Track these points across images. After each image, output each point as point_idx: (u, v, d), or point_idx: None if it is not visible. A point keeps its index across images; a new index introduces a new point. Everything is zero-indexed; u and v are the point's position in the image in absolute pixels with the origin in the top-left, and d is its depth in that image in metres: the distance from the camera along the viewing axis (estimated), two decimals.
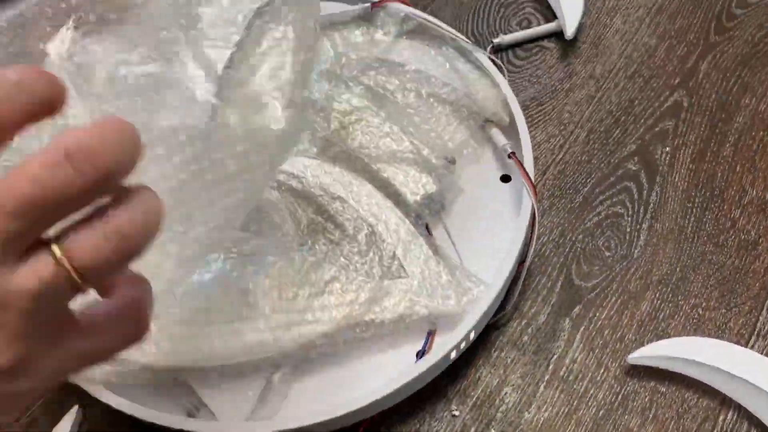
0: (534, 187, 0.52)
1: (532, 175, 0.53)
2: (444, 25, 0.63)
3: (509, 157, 0.56)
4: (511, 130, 0.59)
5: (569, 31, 0.66)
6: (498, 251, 0.53)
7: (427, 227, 0.55)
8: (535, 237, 0.52)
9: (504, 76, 0.60)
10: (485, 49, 0.67)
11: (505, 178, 0.58)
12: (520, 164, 0.54)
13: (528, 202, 0.52)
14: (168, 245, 0.36)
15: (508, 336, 0.52)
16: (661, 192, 0.59)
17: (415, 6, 0.67)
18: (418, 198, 0.54)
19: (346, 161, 0.57)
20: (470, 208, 0.56)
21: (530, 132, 0.57)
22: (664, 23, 0.69)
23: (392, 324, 0.49)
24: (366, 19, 0.66)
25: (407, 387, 0.47)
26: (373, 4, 0.65)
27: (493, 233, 0.55)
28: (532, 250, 0.52)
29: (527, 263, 0.52)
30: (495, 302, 0.50)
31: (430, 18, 0.63)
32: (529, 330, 0.53)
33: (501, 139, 0.58)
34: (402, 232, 0.53)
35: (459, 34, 0.62)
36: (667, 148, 0.61)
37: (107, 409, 0.47)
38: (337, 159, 0.57)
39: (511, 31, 0.69)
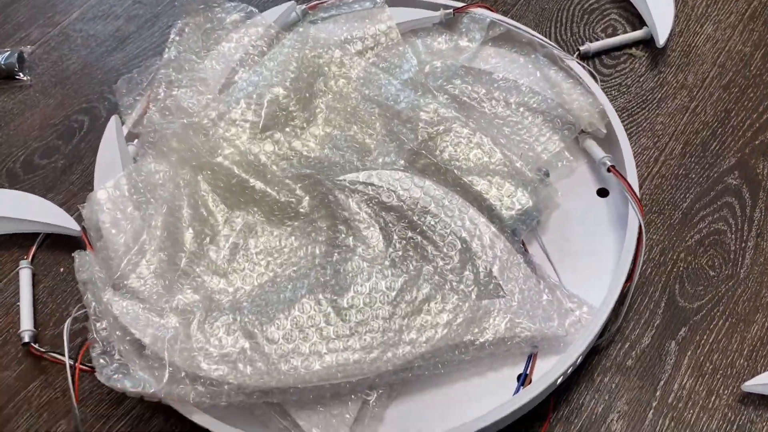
0: (640, 202, 0.50)
1: (636, 189, 0.51)
2: (532, 31, 0.61)
3: (608, 170, 0.53)
4: (607, 141, 0.56)
5: (662, 39, 0.63)
6: (598, 269, 0.51)
7: (523, 243, 0.52)
8: (641, 255, 0.49)
9: (597, 83, 0.57)
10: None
11: (602, 192, 0.55)
12: (623, 178, 0.52)
13: (633, 217, 0.50)
14: None
15: (611, 360, 0.50)
16: (766, 208, 0.56)
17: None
18: (513, 213, 0.52)
19: (435, 174, 0.55)
20: (567, 224, 0.54)
21: None
22: (759, 30, 0.66)
23: (492, 346, 0.47)
24: (448, 25, 0.64)
25: (511, 415, 0.44)
26: (456, 10, 0.63)
27: (592, 250, 0.52)
28: (638, 270, 0.49)
29: (633, 283, 0.49)
30: (602, 325, 0.47)
31: (517, 24, 0.61)
32: (633, 353, 0.50)
33: (598, 151, 0.55)
34: (498, 249, 0.50)
35: (549, 41, 0.60)
36: None
37: (197, 428, 0.46)
38: (426, 171, 0.55)
39: (596, 39, 0.67)
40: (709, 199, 0.57)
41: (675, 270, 0.53)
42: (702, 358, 0.49)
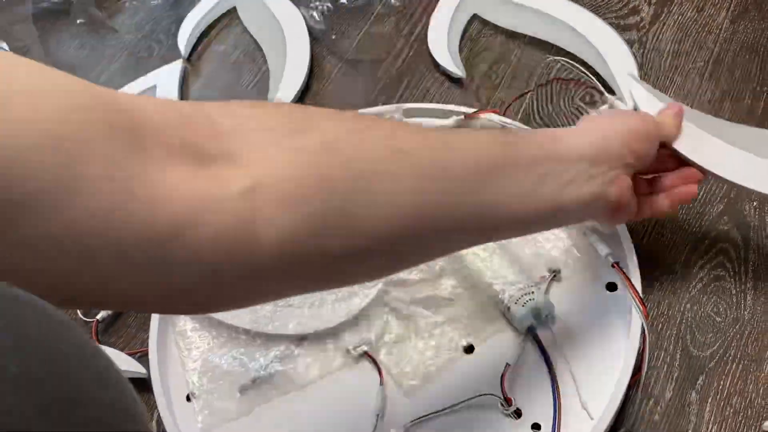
0: (641, 300, 0.54)
1: (638, 286, 0.55)
2: None
3: (613, 266, 0.57)
4: (612, 237, 0.59)
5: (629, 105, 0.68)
6: (611, 360, 0.54)
7: (536, 338, 0.56)
8: (647, 350, 0.53)
9: None
10: None
11: (611, 286, 0.58)
12: (625, 275, 0.56)
13: (637, 320, 0.53)
14: None
15: (639, 417, 0.54)
16: (758, 247, 0.60)
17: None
18: (526, 310, 0.56)
19: (453, 273, 0.60)
20: (578, 319, 0.57)
21: None
22: (725, 76, 0.71)
23: None
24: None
25: None
26: (467, 116, 0.67)
27: (604, 344, 0.55)
28: (645, 365, 0.53)
29: (642, 375, 0.53)
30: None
31: (525, 127, 0.66)
32: (659, 408, 0.55)
33: (603, 248, 0.58)
34: None
35: None
36: (755, 203, 0.63)
37: None
38: (445, 270, 0.61)
39: (575, 107, 0.72)
40: (704, 248, 0.62)
41: (684, 321, 0.58)
42: (722, 404, 0.54)
